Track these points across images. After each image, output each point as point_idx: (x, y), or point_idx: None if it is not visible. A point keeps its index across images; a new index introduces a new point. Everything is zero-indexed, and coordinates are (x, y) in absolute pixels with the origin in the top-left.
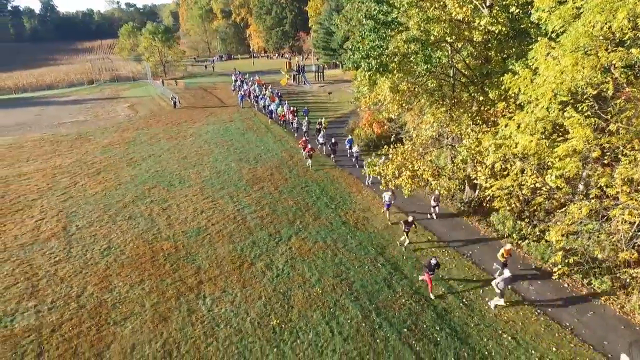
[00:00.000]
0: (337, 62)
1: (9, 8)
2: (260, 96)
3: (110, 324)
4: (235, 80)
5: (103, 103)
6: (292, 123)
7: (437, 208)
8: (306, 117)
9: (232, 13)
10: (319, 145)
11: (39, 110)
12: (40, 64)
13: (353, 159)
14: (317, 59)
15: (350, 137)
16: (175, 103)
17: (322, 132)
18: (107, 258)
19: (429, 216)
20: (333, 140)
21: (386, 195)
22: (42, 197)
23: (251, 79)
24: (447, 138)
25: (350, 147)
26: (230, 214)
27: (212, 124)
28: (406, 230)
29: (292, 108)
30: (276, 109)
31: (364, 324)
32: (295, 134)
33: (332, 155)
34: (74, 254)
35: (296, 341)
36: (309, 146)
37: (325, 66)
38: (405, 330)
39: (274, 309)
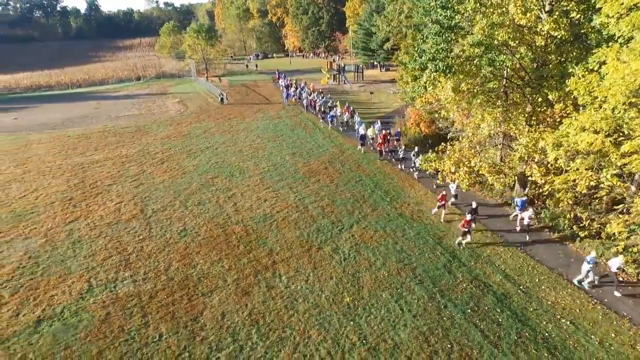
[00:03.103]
0: (376, 63)
1: (58, 9)
2: (330, 114)
3: (199, 295)
4: (288, 86)
5: (153, 98)
6: (395, 151)
7: None
8: (419, 154)
9: (269, 12)
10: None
11: (96, 104)
12: (86, 61)
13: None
14: (357, 58)
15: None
16: (222, 99)
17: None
18: (185, 238)
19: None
20: (474, 205)
21: None
22: (116, 183)
23: (301, 84)
24: (499, 137)
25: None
26: (292, 203)
27: (261, 120)
28: None
29: (384, 130)
30: (365, 130)
31: (430, 304)
32: (401, 166)
33: (473, 225)
34: (155, 234)
35: (370, 316)
36: (467, 217)
37: (364, 66)
38: (469, 311)
39: (345, 288)
